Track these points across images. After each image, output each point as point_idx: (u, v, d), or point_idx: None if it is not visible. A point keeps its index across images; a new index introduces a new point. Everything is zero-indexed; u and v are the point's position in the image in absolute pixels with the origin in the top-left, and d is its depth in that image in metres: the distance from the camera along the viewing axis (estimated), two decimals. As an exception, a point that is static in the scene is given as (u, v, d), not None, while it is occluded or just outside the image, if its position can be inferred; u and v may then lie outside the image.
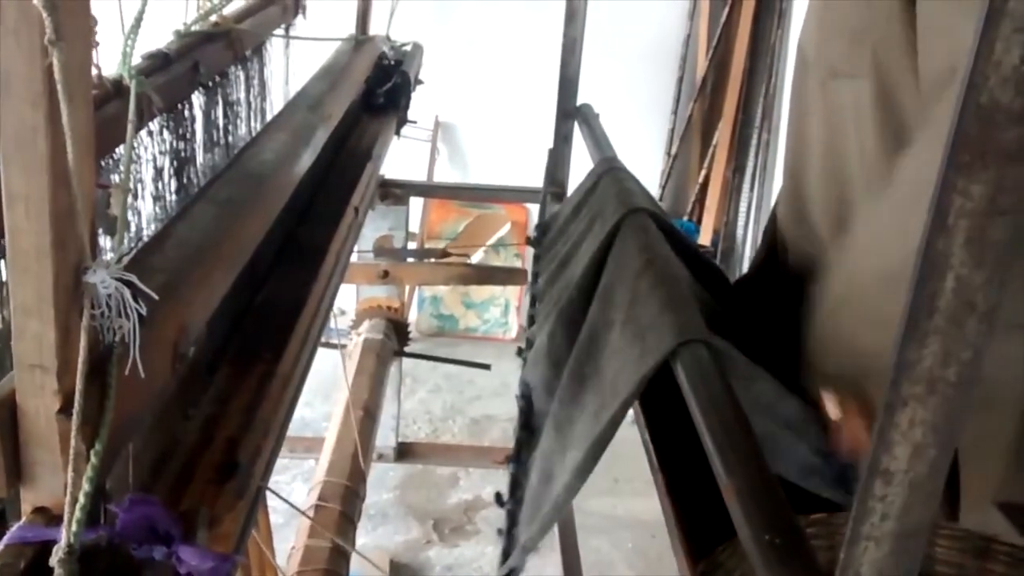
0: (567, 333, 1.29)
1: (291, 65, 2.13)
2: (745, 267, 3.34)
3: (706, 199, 3.59)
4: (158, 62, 1.29)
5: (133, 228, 1.25)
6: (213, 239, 0.96)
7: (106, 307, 0.63)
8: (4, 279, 0.83)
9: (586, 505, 2.64)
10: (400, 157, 2.77)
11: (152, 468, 0.84)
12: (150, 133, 1.27)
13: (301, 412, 2.82)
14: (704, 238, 3.44)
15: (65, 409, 0.61)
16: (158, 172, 1.31)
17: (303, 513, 1.62)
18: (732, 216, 3.51)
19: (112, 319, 0.64)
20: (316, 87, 1.80)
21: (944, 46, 0.98)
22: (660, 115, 3.79)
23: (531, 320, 1.59)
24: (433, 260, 2.57)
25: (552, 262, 1.55)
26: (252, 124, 1.74)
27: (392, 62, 2.47)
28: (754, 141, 3.40)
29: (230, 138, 1.61)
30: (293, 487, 2.71)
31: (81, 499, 0.59)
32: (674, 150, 3.69)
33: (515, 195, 2.82)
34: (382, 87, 2.37)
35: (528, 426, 1.44)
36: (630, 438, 3.50)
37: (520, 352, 1.60)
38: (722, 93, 3.55)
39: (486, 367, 2.75)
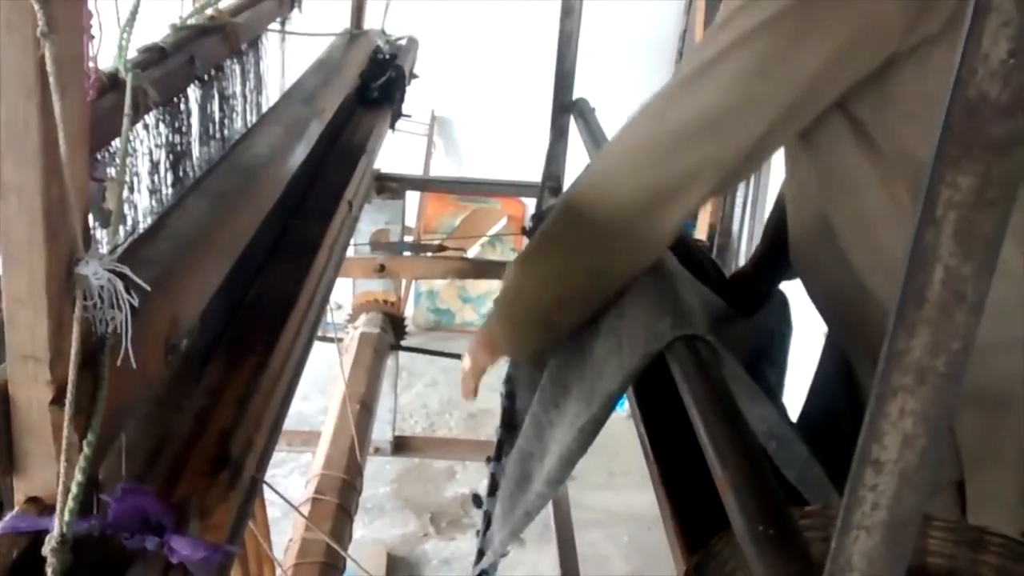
0: None
1: (287, 59, 2.13)
2: (742, 261, 3.35)
3: (702, 193, 3.59)
4: (154, 55, 1.28)
5: (129, 222, 1.25)
6: (206, 231, 0.96)
7: (98, 298, 0.63)
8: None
9: (582, 499, 2.64)
10: (396, 151, 2.77)
11: (145, 460, 0.84)
12: (146, 127, 1.26)
13: (298, 406, 2.83)
14: (700, 233, 3.44)
15: (58, 400, 0.61)
16: (154, 166, 1.30)
17: (295, 508, 1.63)
18: (728, 211, 3.51)
19: (104, 310, 0.64)
20: (310, 81, 1.80)
21: None
22: (656, 110, 3.79)
23: None
24: (430, 254, 2.57)
25: None
26: (248, 118, 1.74)
27: (387, 56, 2.47)
28: (750, 136, 3.40)
29: (226, 132, 1.61)
30: (290, 480, 2.72)
31: (73, 489, 0.59)
32: (671, 144, 3.69)
33: (512, 189, 2.82)
34: (376, 81, 2.37)
35: (511, 425, 1.44)
36: (627, 432, 3.50)
37: None
38: (718, 88, 3.54)
39: None
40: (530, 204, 3.82)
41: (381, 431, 2.78)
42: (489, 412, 3.46)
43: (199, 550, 0.60)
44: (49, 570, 0.58)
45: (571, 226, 1.08)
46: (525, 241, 4.04)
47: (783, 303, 1.46)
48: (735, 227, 3.48)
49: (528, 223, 2.16)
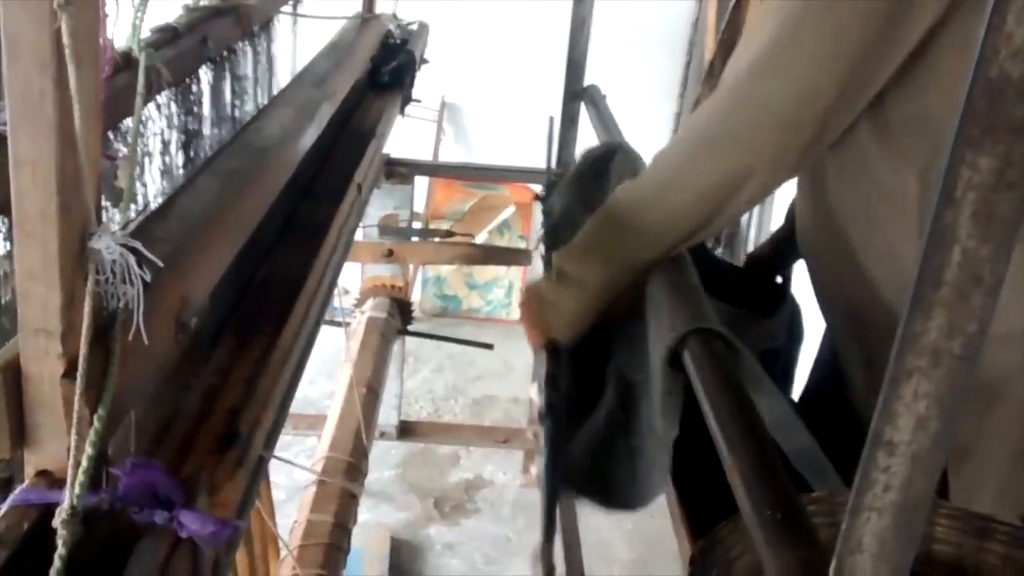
0: None
1: (298, 42, 2.13)
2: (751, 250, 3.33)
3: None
4: (167, 35, 1.28)
5: (140, 200, 1.25)
6: (216, 211, 0.96)
7: (110, 273, 0.63)
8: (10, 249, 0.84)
9: (586, 486, 2.64)
10: (406, 137, 2.77)
11: (153, 436, 0.84)
12: (158, 106, 1.26)
13: (304, 390, 2.83)
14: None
15: (69, 373, 0.61)
16: (165, 146, 1.31)
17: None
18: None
19: (116, 285, 0.64)
20: (321, 64, 1.80)
21: None
22: (668, 98, 3.78)
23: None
24: (438, 240, 2.57)
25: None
26: (259, 100, 1.74)
27: (398, 41, 2.46)
28: (761, 125, 3.38)
29: (237, 113, 1.61)
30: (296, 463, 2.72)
31: (84, 463, 0.59)
32: (680, 133, 3.68)
33: (522, 176, 2.81)
34: (387, 65, 2.36)
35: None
36: (632, 420, 3.43)
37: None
38: (730, 76, 3.53)
39: (488, 347, 2.76)
40: (539, 191, 3.82)
41: (386, 416, 2.79)
42: (493, 399, 3.47)
43: (208, 525, 0.60)
44: (59, 542, 0.58)
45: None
46: (534, 231, 4.00)
47: (795, 312, 1.47)
48: (743, 216, 3.47)
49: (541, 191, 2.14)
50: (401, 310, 2.68)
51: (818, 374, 1.44)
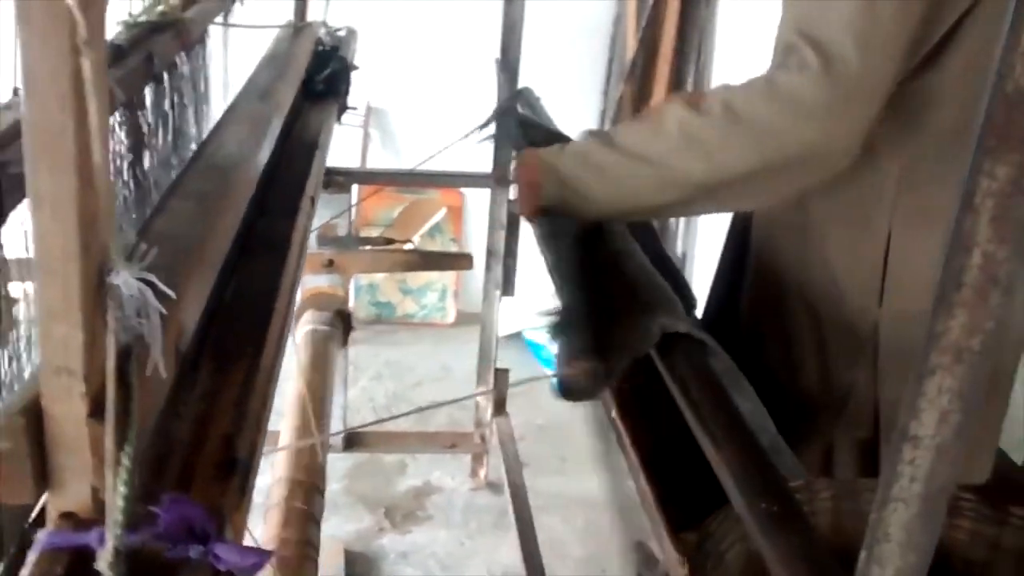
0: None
1: (229, 53, 2.10)
2: (679, 243, 3.41)
3: (639, 179, 3.65)
4: (113, 54, 1.25)
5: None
6: (197, 235, 0.94)
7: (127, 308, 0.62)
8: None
9: (535, 485, 2.67)
10: (332, 143, 2.74)
11: (152, 469, 0.83)
12: (111, 129, 1.23)
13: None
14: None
15: (95, 412, 0.60)
16: (117, 169, 1.27)
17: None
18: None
19: (131, 319, 0.63)
20: (263, 76, 1.78)
21: None
22: (592, 95, 3.83)
23: None
24: (379, 248, 2.56)
25: None
26: (200, 115, 1.71)
27: (328, 48, 2.44)
28: (685, 121, 3.46)
29: (180, 129, 1.58)
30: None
31: (120, 502, 0.58)
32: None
33: (462, 181, 2.82)
34: (320, 74, 2.34)
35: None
36: (577, 418, 3.54)
37: None
38: (652, 73, 3.60)
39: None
40: (469, 194, 3.82)
41: (331, 427, 2.76)
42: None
43: (249, 557, 0.60)
44: (105, 585, 0.57)
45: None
46: (465, 234, 3.98)
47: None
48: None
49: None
50: (342, 320, 2.66)
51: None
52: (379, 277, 3.84)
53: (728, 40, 3.27)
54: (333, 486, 2.89)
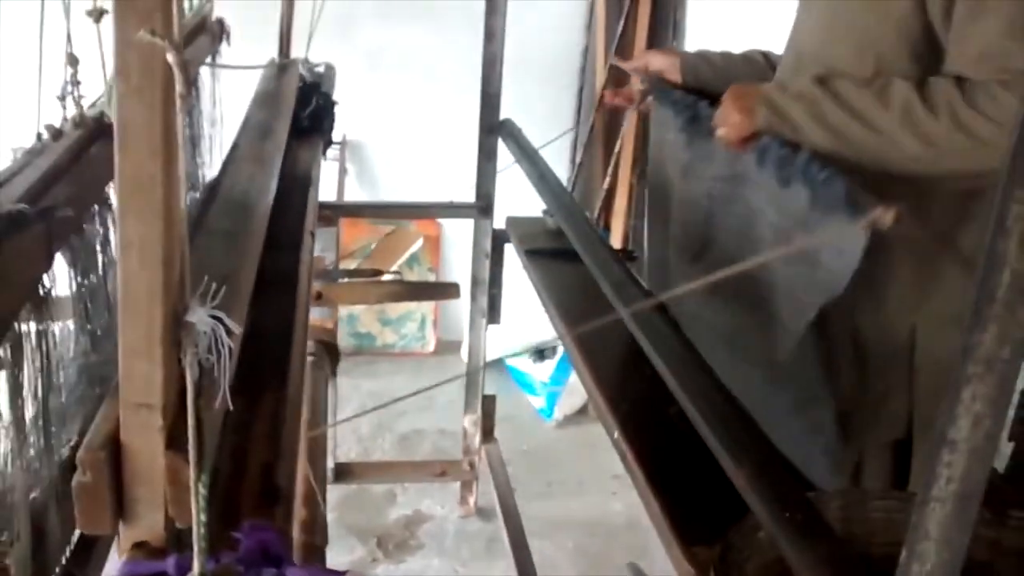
0: None
1: (218, 93, 2.12)
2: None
3: (613, 205, 3.71)
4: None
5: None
6: (231, 271, 0.97)
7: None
8: None
9: (523, 509, 2.69)
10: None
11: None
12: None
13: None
14: (616, 242, 3.55)
15: (172, 445, 0.63)
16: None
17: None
18: (640, 221, 3.63)
19: (202, 355, 0.66)
20: (259, 115, 1.81)
21: None
22: (563, 125, 3.90)
23: None
24: (366, 279, 2.58)
25: None
26: (197, 153, 1.73)
27: (310, 84, 2.48)
28: (657, 148, 3.53)
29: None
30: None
31: (201, 530, 0.61)
32: (578, 159, 3.79)
33: (447, 212, 2.85)
34: (305, 110, 2.37)
35: None
36: (562, 440, 3.57)
37: None
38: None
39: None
40: (446, 224, 3.86)
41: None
42: (420, 432, 3.48)
43: (323, 577, 0.63)
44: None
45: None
46: (443, 263, 4.00)
47: None
48: (646, 236, 3.60)
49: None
50: (329, 353, 2.67)
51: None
52: (359, 308, 3.85)
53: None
54: (322, 518, 2.89)
